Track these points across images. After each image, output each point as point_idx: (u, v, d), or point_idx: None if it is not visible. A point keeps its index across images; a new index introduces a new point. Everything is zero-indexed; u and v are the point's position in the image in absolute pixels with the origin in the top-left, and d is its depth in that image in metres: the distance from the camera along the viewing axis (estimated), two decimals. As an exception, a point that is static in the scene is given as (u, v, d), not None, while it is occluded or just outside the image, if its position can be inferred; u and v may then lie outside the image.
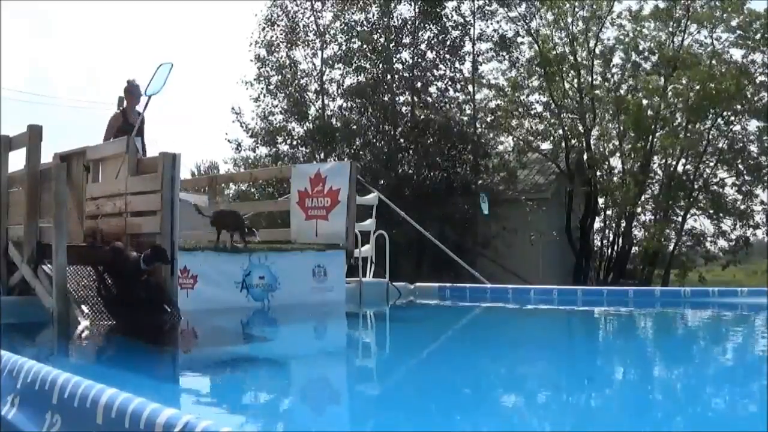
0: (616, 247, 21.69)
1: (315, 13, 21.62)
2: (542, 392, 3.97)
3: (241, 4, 47.90)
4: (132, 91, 8.54)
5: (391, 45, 20.89)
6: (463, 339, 6.27)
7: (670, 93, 20.42)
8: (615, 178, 21.38)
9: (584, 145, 20.67)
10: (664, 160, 21.33)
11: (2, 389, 3.06)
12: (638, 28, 21.03)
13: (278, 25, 21.64)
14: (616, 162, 21.59)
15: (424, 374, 4.49)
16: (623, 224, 21.31)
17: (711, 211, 21.28)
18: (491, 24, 21.41)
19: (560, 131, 21.22)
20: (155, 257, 6.08)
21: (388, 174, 19.44)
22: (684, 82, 20.17)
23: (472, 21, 21.32)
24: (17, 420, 2.88)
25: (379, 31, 21.17)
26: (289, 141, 21.55)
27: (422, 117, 20.87)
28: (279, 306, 7.99)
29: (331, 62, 21.53)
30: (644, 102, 20.72)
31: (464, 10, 21.21)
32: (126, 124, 8.33)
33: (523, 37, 21.67)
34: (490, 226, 20.03)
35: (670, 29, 20.74)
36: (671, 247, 20.89)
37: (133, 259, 6.15)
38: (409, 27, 21.07)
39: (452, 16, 21.10)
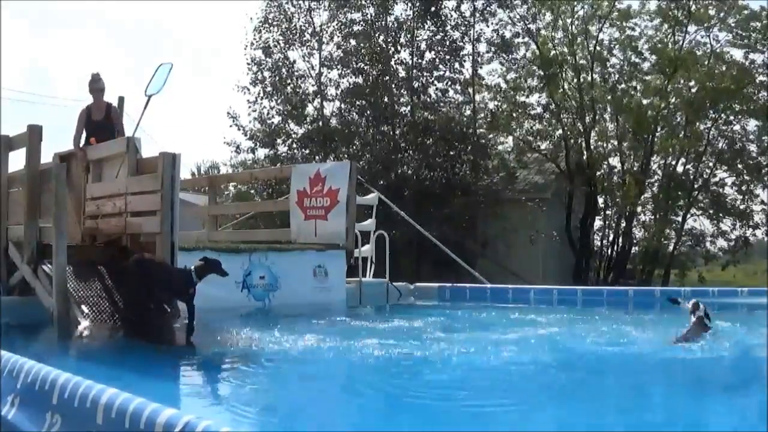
0: (616, 247, 21.70)
1: (311, 12, 21.61)
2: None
3: (243, 4, 47.99)
4: (93, 87, 8.25)
5: (388, 45, 20.89)
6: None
7: (669, 93, 20.42)
8: (615, 178, 21.39)
9: (584, 145, 20.67)
10: (663, 160, 21.34)
11: (2, 389, 3.06)
12: (637, 29, 21.08)
13: (274, 26, 21.61)
14: (615, 162, 21.62)
15: (425, 375, 4.49)
16: (623, 224, 21.32)
17: (711, 211, 21.28)
18: (491, 25, 21.44)
19: (560, 131, 21.23)
20: (209, 269, 6.00)
21: (388, 174, 19.45)
22: (683, 81, 20.17)
23: (472, 22, 21.32)
24: (17, 420, 2.87)
25: (376, 31, 21.16)
26: (288, 142, 21.53)
27: (422, 118, 20.87)
28: (279, 306, 7.99)
29: (328, 63, 21.53)
30: (644, 102, 20.72)
31: (464, 10, 21.23)
32: (89, 120, 8.15)
33: (523, 37, 21.69)
34: (490, 226, 20.03)
35: (670, 29, 20.74)
36: (671, 247, 20.89)
37: (184, 273, 6.06)
38: (407, 26, 21.07)
39: (452, 16, 21.11)
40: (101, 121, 8.08)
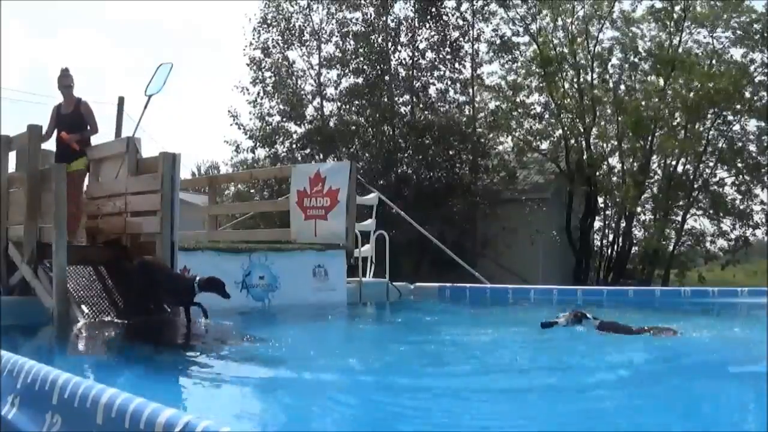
0: (616, 247, 21.68)
1: (310, 11, 21.62)
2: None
3: (243, 4, 47.99)
4: (61, 82, 8.02)
5: (388, 44, 20.88)
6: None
7: (669, 93, 20.41)
8: (615, 178, 21.38)
9: (584, 145, 20.67)
10: (663, 160, 21.33)
11: (2, 389, 3.05)
12: (636, 30, 21.06)
13: (273, 26, 21.61)
14: (615, 162, 21.62)
15: (426, 375, 4.49)
16: (623, 224, 21.31)
17: (711, 211, 21.27)
18: (491, 24, 21.45)
19: (560, 131, 21.22)
20: (212, 287, 6.03)
21: (388, 174, 19.45)
22: (682, 82, 20.15)
23: (471, 21, 21.33)
24: (17, 420, 2.87)
25: (376, 31, 21.15)
26: (287, 143, 21.53)
27: (422, 118, 20.87)
28: (279, 306, 7.98)
29: (327, 63, 21.53)
30: (643, 102, 20.71)
31: (464, 10, 21.23)
32: (58, 114, 7.97)
33: (523, 36, 21.70)
34: (490, 226, 20.02)
35: (669, 29, 20.74)
36: (671, 247, 20.88)
37: (187, 279, 6.16)
38: (406, 26, 21.08)
39: (453, 15, 21.13)
40: (70, 114, 7.94)
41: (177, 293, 6.11)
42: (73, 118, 7.84)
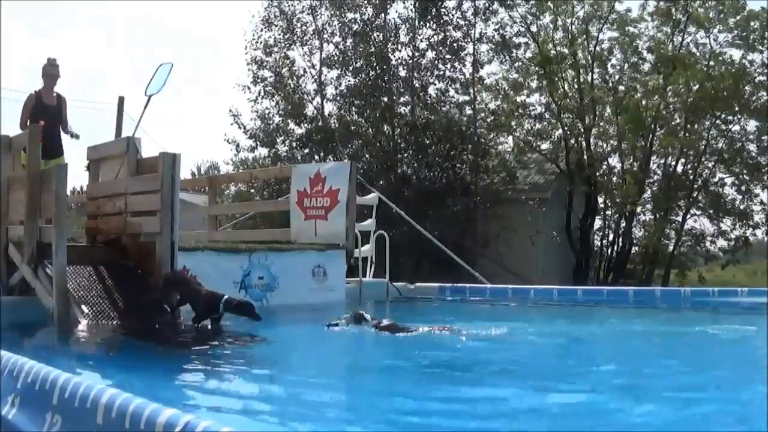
0: (616, 247, 21.71)
1: (313, 11, 21.62)
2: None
3: (244, 4, 48.01)
4: (49, 72, 8.03)
5: (388, 44, 20.89)
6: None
7: (669, 93, 20.44)
8: (615, 178, 21.41)
9: (584, 144, 20.69)
10: (663, 160, 21.36)
11: (2, 389, 3.05)
12: (635, 30, 21.09)
13: (275, 25, 21.63)
14: (615, 162, 21.66)
15: (423, 375, 4.49)
16: (623, 224, 21.33)
17: (711, 211, 21.29)
18: (492, 24, 21.47)
19: (560, 131, 21.25)
20: (240, 310, 5.90)
21: (388, 174, 19.46)
22: (682, 82, 20.19)
23: (473, 21, 21.35)
24: (17, 420, 2.87)
25: (375, 30, 21.15)
26: (287, 142, 21.55)
27: (422, 118, 20.88)
28: (278, 306, 7.97)
29: (328, 62, 21.55)
30: (643, 102, 20.74)
31: (466, 10, 21.27)
32: (40, 105, 7.92)
33: (524, 37, 21.72)
34: (490, 226, 20.04)
35: (669, 29, 20.77)
36: (671, 247, 20.90)
37: (210, 296, 6.02)
38: (407, 26, 21.09)
39: (454, 15, 21.15)
40: (55, 107, 7.84)
41: (197, 308, 6.06)
42: (59, 111, 7.78)
